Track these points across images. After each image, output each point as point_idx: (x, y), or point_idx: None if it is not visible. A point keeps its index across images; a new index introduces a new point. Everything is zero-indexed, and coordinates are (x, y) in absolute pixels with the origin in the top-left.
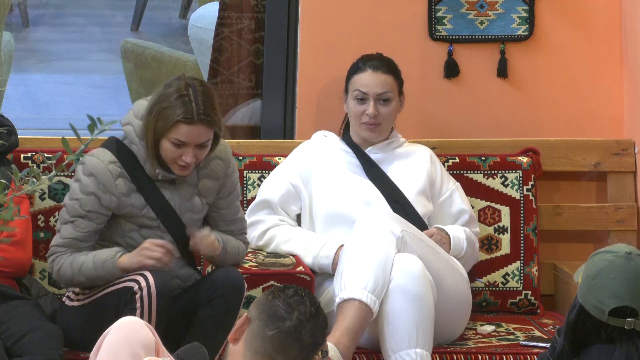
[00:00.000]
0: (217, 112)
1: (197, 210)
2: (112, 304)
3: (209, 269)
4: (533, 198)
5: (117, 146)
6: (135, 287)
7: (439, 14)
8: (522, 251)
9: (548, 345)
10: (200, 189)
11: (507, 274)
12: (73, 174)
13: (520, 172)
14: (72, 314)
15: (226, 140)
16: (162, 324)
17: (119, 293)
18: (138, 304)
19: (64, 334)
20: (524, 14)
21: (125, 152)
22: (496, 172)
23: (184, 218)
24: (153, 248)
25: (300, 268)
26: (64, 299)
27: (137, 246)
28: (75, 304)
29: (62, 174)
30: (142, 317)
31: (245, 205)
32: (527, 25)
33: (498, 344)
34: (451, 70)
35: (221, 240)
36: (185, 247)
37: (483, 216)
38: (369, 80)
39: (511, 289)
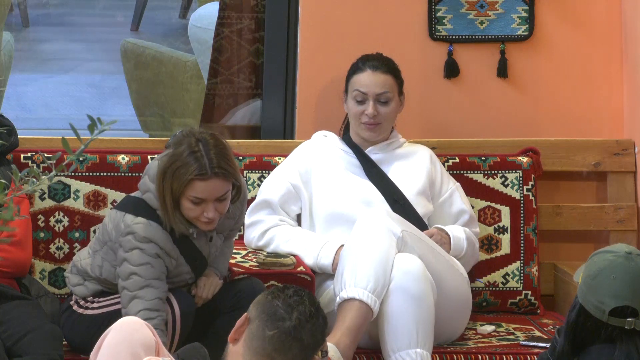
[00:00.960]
0: (231, 163)
1: (216, 246)
2: None
3: None
4: (533, 198)
5: (152, 211)
6: None
7: (439, 14)
8: (522, 251)
9: (548, 345)
10: (220, 227)
11: (507, 274)
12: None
13: (520, 172)
14: (82, 321)
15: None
16: (182, 340)
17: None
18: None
19: (67, 339)
20: (524, 14)
21: (158, 216)
22: (496, 172)
23: (209, 260)
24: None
25: (301, 268)
26: (71, 302)
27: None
28: (89, 312)
29: (62, 174)
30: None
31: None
32: (527, 25)
33: (498, 344)
34: (451, 70)
35: (220, 276)
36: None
37: (483, 216)
38: (368, 80)
39: (511, 289)
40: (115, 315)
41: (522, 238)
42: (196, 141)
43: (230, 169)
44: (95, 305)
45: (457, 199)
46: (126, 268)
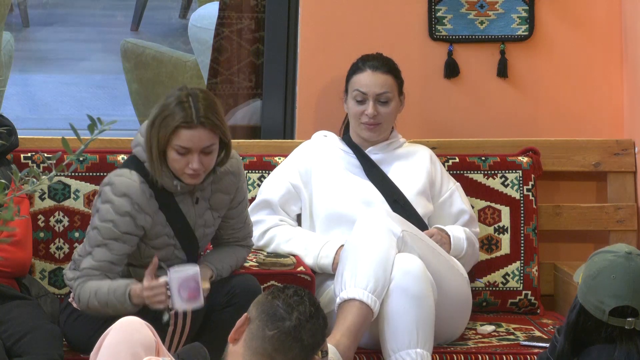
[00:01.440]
0: (219, 117)
1: (209, 224)
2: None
3: None
4: (533, 198)
5: (140, 165)
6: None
7: (439, 14)
8: (522, 251)
9: (548, 345)
10: (212, 203)
11: (507, 274)
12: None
13: (520, 172)
14: (82, 318)
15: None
16: (189, 339)
17: (146, 307)
18: (172, 320)
19: (67, 338)
20: (524, 14)
21: (146, 171)
22: (496, 172)
23: (197, 233)
24: (157, 292)
25: (301, 268)
26: (70, 300)
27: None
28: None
29: (62, 174)
30: (173, 334)
31: None
32: (527, 25)
33: (498, 344)
34: (451, 70)
35: (215, 272)
36: (194, 259)
37: (483, 216)
38: (368, 80)
39: (511, 289)
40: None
41: (522, 238)
42: (186, 94)
43: (217, 122)
44: None
45: (457, 199)
46: (94, 220)
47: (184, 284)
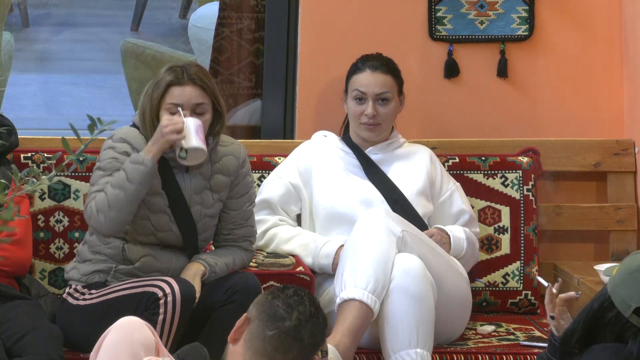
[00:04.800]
0: (210, 81)
1: (207, 204)
2: (129, 307)
3: None
4: (533, 198)
5: (137, 129)
6: (160, 293)
7: (439, 14)
8: (522, 251)
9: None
10: (213, 184)
11: (507, 274)
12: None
13: (520, 172)
14: (77, 313)
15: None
16: (181, 330)
17: (138, 297)
18: (162, 309)
19: (63, 334)
20: (524, 14)
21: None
22: (496, 172)
23: (193, 211)
24: (171, 122)
25: (300, 268)
26: (64, 295)
27: (146, 233)
28: (81, 303)
29: (62, 174)
30: (163, 323)
31: None
32: (527, 25)
33: (498, 344)
34: (451, 70)
35: (208, 269)
36: (191, 243)
37: (483, 216)
38: (368, 80)
39: (511, 289)
40: (110, 306)
41: (522, 238)
42: (181, 66)
43: (208, 83)
44: (87, 296)
45: (457, 199)
46: (95, 167)
47: (198, 128)
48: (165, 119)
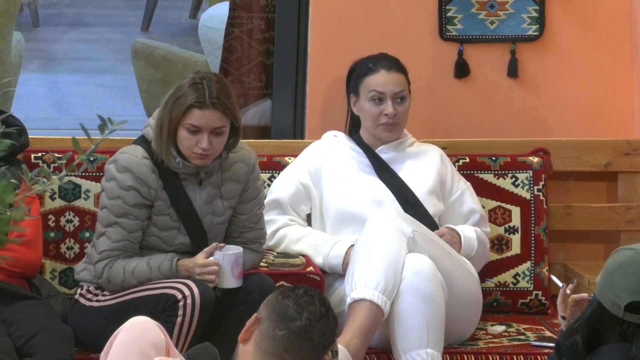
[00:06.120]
0: (231, 100)
1: (218, 212)
2: (145, 308)
3: None
4: (544, 198)
5: (146, 143)
6: (179, 295)
7: (449, 14)
8: (532, 251)
9: None
10: (223, 191)
11: (517, 274)
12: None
13: (530, 172)
14: (90, 313)
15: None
16: (198, 333)
17: (156, 299)
18: (180, 312)
19: (75, 335)
20: (535, 14)
21: (152, 150)
22: (507, 172)
23: (204, 221)
24: (205, 269)
25: (311, 268)
26: (76, 296)
27: (156, 247)
28: (94, 304)
29: (72, 174)
30: (182, 325)
31: None
32: (538, 25)
33: (509, 344)
34: (461, 70)
35: None
36: (202, 249)
37: (493, 216)
38: (385, 80)
39: (522, 289)
40: (126, 307)
41: (532, 238)
42: (200, 77)
43: (229, 105)
44: (101, 297)
45: (468, 199)
46: (102, 199)
47: (235, 263)
48: (199, 263)
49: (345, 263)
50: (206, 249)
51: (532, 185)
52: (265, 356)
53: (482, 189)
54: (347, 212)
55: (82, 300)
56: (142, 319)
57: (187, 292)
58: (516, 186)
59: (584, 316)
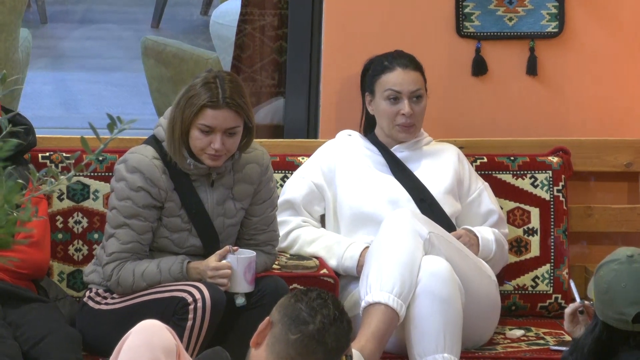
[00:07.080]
0: (245, 100)
1: (230, 214)
2: (155, 311)
3: None
4: (563, 199)
5: (156, 143)
6: (190, 299)
7: (467, 10)
8: (552, 253)
9: None
10: (235, 192)
11: (536, 277)
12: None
13: (550, 172)
14: (99, 316)
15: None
16: (209, 337)
17: (165, 302)
18: (191, 315)
19: (84, 339)
20: (554, 11)
21: (164, 150)
22: (526, 172)
23: (216, 223)
24: (217, 273)
25: (324, 270)
26: (85, 299)
27: (167, 249)
28: (103, 307)
29: (80, 174)
30: (192, 328)
31: None
32: (557, 22)
33: (527, 348)
34: (479, 67)
35: None
36: (214, 252)
37: (512, 217)
38: (401, 78)
39: (541, 292)
40: (136, 310)
41: (552, 240)
42: (213, 76)
43: (243, 105)
44: (110, 300)
45: (486, 199)
46: (112, 199)
47: (248, 267)
48: (212, 266)
49: (360, 265)
50: (219, 252)
51: (551, 185)
52: None
53: (501, 190)
54: (362, 212)
55: (91, 303)
56: (152, 323)
57: (197, 295)
58: (535, 187)
59: (593, 338)
